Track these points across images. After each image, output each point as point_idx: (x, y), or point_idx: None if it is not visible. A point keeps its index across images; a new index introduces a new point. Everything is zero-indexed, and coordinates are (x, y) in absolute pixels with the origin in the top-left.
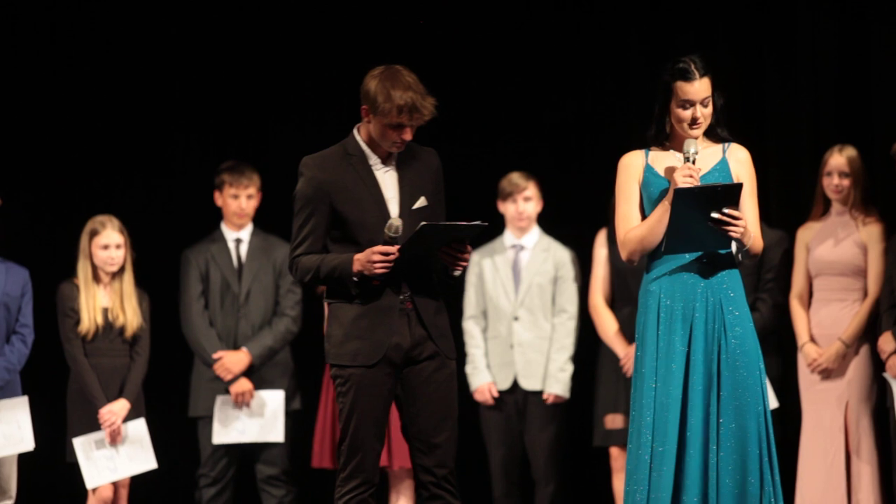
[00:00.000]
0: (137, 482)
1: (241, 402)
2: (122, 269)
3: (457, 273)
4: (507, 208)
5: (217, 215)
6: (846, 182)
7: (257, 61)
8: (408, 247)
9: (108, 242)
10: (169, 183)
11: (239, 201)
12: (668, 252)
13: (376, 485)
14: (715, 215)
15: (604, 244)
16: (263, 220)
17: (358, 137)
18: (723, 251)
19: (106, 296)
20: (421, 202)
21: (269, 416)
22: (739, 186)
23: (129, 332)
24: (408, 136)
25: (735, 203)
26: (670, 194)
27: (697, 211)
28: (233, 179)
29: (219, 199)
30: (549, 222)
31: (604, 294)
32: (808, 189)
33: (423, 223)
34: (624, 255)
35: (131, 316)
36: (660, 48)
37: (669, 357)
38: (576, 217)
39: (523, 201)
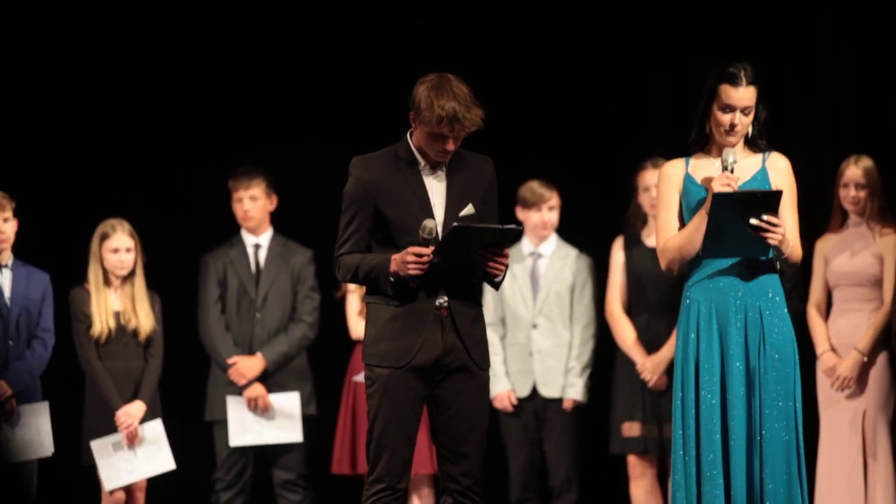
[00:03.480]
0: (153, 486)
1: (255, 407)
2: (132, 273)
3: (498, 278)
4: (529, 217)
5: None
6: (862, 193)
7: (282, 65)
8: (441, 249)
9: (118, 246)
10: (193, 186)
11: (242, 204)
12: (705, 257)
13: (402, 490)
14: (753, 221)
15: (620, 250)
16: (284, 226)
17: (410, 141)
18: (763, 257)
19: (118, 299)
20: (468, 210)
21: (287, 417)
22: (779, 194)
23: (142, 334)
24: (450, 146)
25: (774, 210)
26: (708, 201)
27: (736, 216)
28: (235, 183)
29: (233, 206)
30: (567, 229)
31: (621, 301)
32: (829, 200)
33: (455, 224)
34: (663, 264)
35: (144, 319)
36: (679, 59)
37: (710, 364)
38: (594, 224)
39: (548, 211)
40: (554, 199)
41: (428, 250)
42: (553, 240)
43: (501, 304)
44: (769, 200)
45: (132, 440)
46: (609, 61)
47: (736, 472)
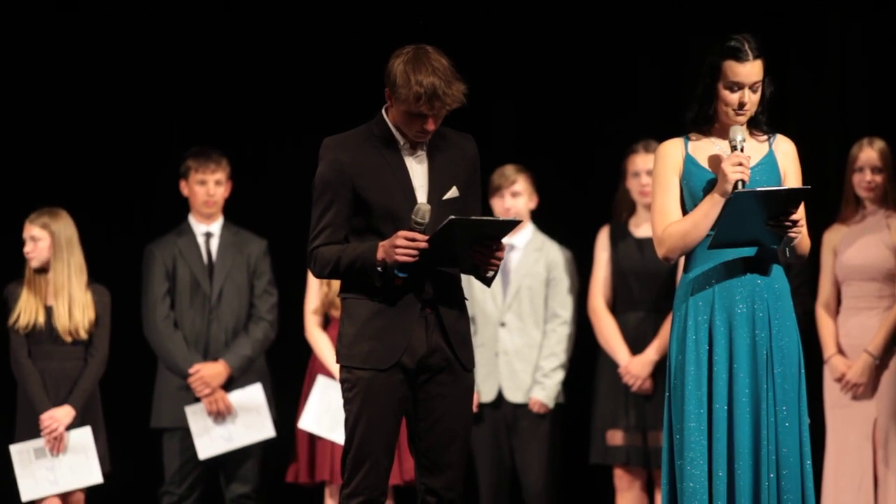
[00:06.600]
0: (93, 499)
1: (218, 413)
2: (54, 264)
3: (490, 273)
4: (494, 204)
5: (184, 207)
6: (879, 178)
7: (227, 47)
8: (434, 240)
9: (25, 236)
10: (136, 173)
11: (206, 187)
12: (713, 247)
13: (382, 503)
14: (773, 221)
15: (606, 243)
16: (234, 214)
17: (386, 118)
18: (774, 245)
19: (52, 293)
20: (452, 192)
21: (253, 413)
22: (805, 191)
23: (77, 332)
24: (430, 126)
25: (797, 206)
26: (719, 186)
27: (756, 212)
28: (199, 164)
29: (185, 189)
30: (548, 219)
31: (605, 297)
32: (837, 187)
33: (452, 217)
34: (661, 252)
35: (78, 315)
36: (672, 41)
37: (716, 364)
38: (577, 214)
39: (511, 196)
40: (520, 184)
41: (422, 237)
42: (528, 230)
43: (471, 300)
44: (795, 197)
45: (55, 447)
46: (593, 35)
47: (741, 485)
